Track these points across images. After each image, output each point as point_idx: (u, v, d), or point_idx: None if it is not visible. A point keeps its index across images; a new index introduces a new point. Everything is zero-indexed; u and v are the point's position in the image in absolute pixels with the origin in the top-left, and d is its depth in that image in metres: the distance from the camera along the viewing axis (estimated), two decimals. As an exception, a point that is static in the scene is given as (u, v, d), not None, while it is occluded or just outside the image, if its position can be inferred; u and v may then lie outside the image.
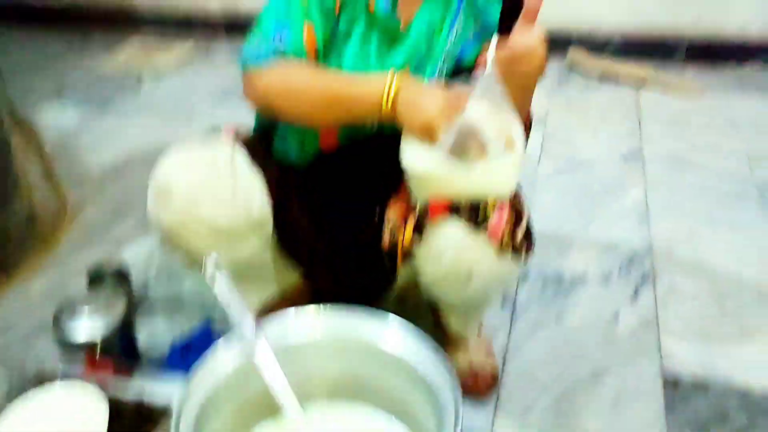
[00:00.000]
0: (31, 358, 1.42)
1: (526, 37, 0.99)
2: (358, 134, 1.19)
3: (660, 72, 2.75)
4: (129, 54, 3.10)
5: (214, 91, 2.70)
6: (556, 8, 2.89)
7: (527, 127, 1.16)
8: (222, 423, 0.96)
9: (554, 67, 2.84)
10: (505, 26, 1.13)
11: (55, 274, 1.69)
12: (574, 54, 2.86)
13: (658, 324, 1.52)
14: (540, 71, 1.01)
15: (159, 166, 1.14)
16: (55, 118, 2.49)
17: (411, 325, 1.00)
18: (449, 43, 1.15)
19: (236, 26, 3.20)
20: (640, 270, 1.69)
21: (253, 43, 1.11)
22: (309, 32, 1.09)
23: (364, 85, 1.05)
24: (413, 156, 1.04)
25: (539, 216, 1.86)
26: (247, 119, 1.30)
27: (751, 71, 2.76)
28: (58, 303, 1.32)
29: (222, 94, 2.67)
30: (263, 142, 1.27)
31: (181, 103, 2.62)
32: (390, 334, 1.00)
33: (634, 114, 2.47)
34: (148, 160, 2.16)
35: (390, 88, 1.02)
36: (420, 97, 1.01)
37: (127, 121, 2.49)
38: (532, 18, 0.99)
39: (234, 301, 0.92)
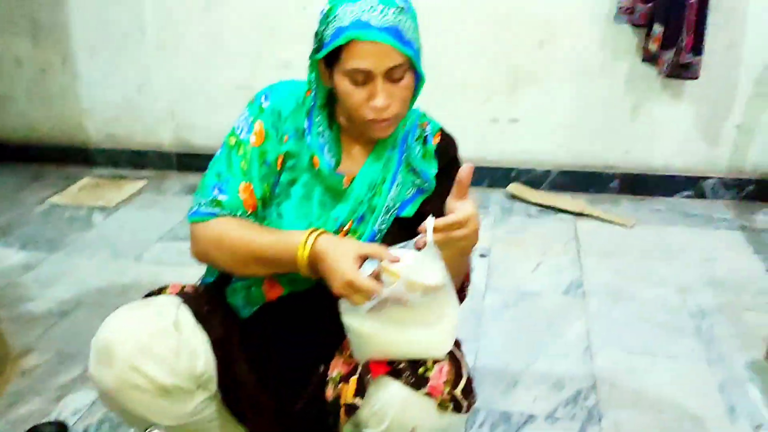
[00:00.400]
0: None
1: (462, 205, 1.05)
2: (301, 285, 1.22)
3: (595, 203, 2.91)
4: (80, 190, 3.13)
5: (165, 225, 2.74)
6: (496, 144, 3.10)
7: (464, 288, 1.23)
8: None
9: (496, 199, 2.98)
10: (441, 185, 1.23)
11: (-9, 429, 1.63)
12: (514, 187, 3.01)
13: (604, 464, 1.53)
14: (476, 237, 1.07)
15: (102, 326, 1.14)
16: (1, 259, 2.47)
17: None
18: (389, 199, 1.23)
19: (188, 160, 3.30)
20: (585, 407, 1.71)
21: (197, 198, 1.20)
22: (246, 190, 1.18)
23: (285, 243, 1.11)
24: (349, 314, 1.08)
25: (486, 352, 1.92)
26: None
27: (678, 203, 2.94)
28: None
29: (172, 229, 2.71)
30: (211, 295, 1.30)
31: (131, 239, 2.64)
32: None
33: (573, 245, 2.58)
34: (96, 302, 2.18)
35: (305, 247, 1.08)
36: (333, 260, 1.05)
37: (76, 259, 2.48)
38: (465, 188, 1.06)
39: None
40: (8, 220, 2.81)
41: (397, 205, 1.24)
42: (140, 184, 3.19)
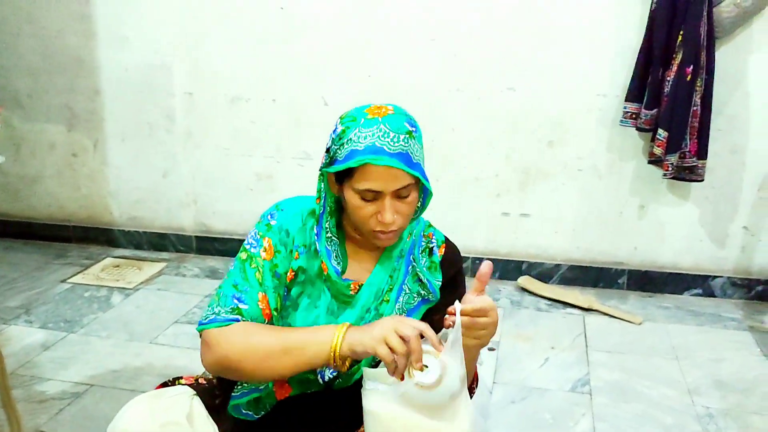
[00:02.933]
0: None
1: (480, 298, 1.13)
2: (310, 387, 1.27)
3: (604, 298, 2.94)
4: (102, 270, 3.22)
5: (182, 308, 2.81)
6: (507, 238, 3.18)
7: (473, 387, 1.29)
8: None
9: (506, 292, 3.03)
10: (445, 296, 1.30)
11: None
12: (525, 280, 3.06)
13: None
14: (495, 328, 1.14)
15: (117, 416, 1.19)
16: (20, 337, 2.54)
17: None
18: (396, 309, 1.29)
19: (207, 244, 3.40)
20: None
21: (213, 308, 1.22)
22: (263, 300, 1.23)
23: (315, 331, 1.17)
24: (371, 397, 1.13)
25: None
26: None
27: (686, 301, 2.97)
28: None
29: (188, 312, 2.77)
30: (223, 387, 1.34)
31: (148, 321, 2.70)
32: None
33: (582, 341, 2.61)
34: (109, 384, 2.22)
35: (339, 330, 1.13)
36: (369, 327, 1.12)
37: (92, 340, 2.54)
38: (483, 284, 1.14)
39: None
40: (31, 297, 2.89)
41: (404, 314, 1.29)
42: (160, 266, 3.29)
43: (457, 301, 1.10)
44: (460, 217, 3.07)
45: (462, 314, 1.09)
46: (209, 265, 3.29)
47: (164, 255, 3.42)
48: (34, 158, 3.49)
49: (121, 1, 3.16)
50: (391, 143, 1.15)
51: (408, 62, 2.97)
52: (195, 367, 2.26)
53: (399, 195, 1.19)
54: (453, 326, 1.08)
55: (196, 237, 3.43)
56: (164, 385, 1.33)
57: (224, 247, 3.35)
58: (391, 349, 1.06)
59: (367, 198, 1.18)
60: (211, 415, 1.23)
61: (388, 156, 1.14)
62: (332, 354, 1.12)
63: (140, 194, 3.44)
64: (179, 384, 1.30)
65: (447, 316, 1.11)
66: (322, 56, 3.04)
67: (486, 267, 1.13)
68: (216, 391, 1.31)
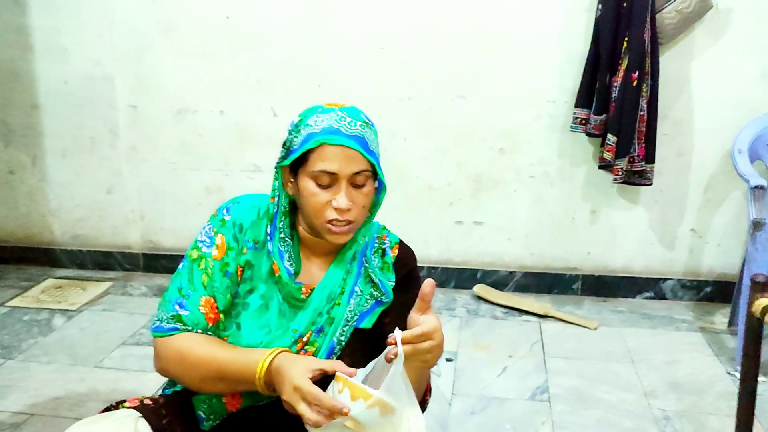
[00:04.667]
0: None
1: (425, 318, 1.07)
2: (261, 398, 1.22)
3: (559, 304, 2.95)
4: (42, 292, 3.08)
5: (129, 329, 2.70)
6: (461, 246, 3.16)
7: (425, 401, 1.24)
8: None
9: (462, 301, 3.01)
10: (398, 297, 1.26)
11: None
12: (480, 288, 3.05)
13: None
14: (440, 350, 1.08)
15: (58, 444, 1.12)
16: (-47, 365, 2.40)
17: None
18: (348, 311, 1.25)
19: (155, 261, 3.29)
20: None
21: (159, 312, 1.22)
22: (207, 303, 1.20)
23: (244, 361, 1.13)
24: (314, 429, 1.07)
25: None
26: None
27: (639, 304, 3.00)
28: None
29: (135, 333, 2.67)
30: (171, 407, 1.28)
31: (93, 343, 2.58)
32: None
33: (539, 347, 2.60)
34: (50, 413, 2.11)
35: (263, 365, 1.10)
36: (286, 373, 1.06)
37: (32, 366, 2.41)
38: (428, 303, 1.09)
39: None
40: (-35, 323, 2.74)
41: (356, 317, 1.26)
42: (105, 285, 3.16)
43: (397, 329, 1.05)
44: (413, 226, 3.04)
45: (403, 342, 1.03)
46: (157, 283, 3.17)
47: (110, 274, 3.30)
48: (-32, 177, 3.33)
49: (59, 11, 3.05)
50: (348, 126, 1.16)
51: (358, 72, 2.94)
52: (144, 389, 2.19)
53: (354, 182, 1.18)
54: (395, 358, 1.02)
55: (144, 254, 3.31)
56: (107, 409, 1.25)
57: (173, 264, 3.23)
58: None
59: (323, 183, 1.16)
60: (158, 436, 1.17)
61: (345, 137, 1.15)
62: (261, 388, 1.12)
63: (83, 212, 3.31)
64: (123, 408, 1.23)
65: (388, 347, 1.05)
66: (271, 66, 2.99)
67: (428, 286, 1.09)
68: (163, 410, 1.24)
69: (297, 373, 1.05)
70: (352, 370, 1.06)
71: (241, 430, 1.25)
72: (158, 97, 3.10)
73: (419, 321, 1.07)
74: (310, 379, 1.04)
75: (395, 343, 1.03)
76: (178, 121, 3.12)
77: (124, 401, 1.26)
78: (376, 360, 1.14)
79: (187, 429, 1.24)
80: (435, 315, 1.09)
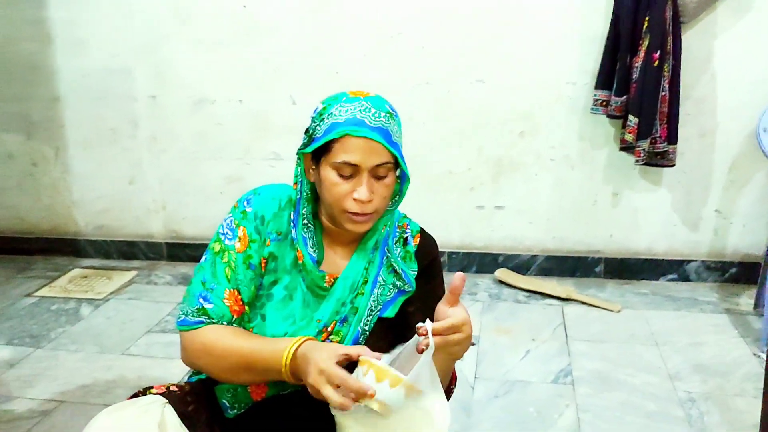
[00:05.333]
0: None
1: (454, 311, 1.08)
2: (285, 387, 1.23)
3: (582, 287, 2.93)
4: (69, 282, 3.13)
5: (154, 317, 2.73)
6: (482, 231, 3.15)
7: (450, 389, 1.25)
8: None
9: (484, 285, 3.01)
10: (421, 286, 1.26)
11: None
12: (502, 273, 3.04)
13: None
14: (468, 342, 1.09)
15: (86, 430, 1.13)
16: (-15, 355, 2.44)
17: None
18: (371, 301, 1.25)
19: (178, 250, 3.33)
20: (577, 502, 1.68)
21: (183, 306, 1.22)
22: (231, 296, 1.20)
23: (270, 352, 1.13)
24: (341, 413, 1.07)
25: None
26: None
27: (663, 286, 2.97)
28: None
29: (161, 321, 2.70)
30: (196, 394, 1.29)
31: (119, 332, 2.62)
32: None
33: (562, 331, 2.59)
34: (79, 400, 2.14)
35: (288, 355, 1.10)
36: (311, 360, 1.06)
37: (60, 355, 2.45)
38: (457, 296, 1.09)
39: None
40: (-6, 314, 2.79)
41: (380, 306, 1.26)
42: (130, 274, 3.20)
43: (428, 320, 1.06)
44: (434, 212, 3.04)
45: (433, 334, 1.04)
46: (181, 272, 3.21)
47: (134, 263, 3.34)
48: (-7, 170, 3.38)
49: (77, 4, 3.07)
50: (373, 118, 1.14)
51: (375, 57, 2.93)
52: (169, 376, 2.21)
53: (376, 174, 1.17)
54: (426, 349, 1.03)
55: (167, 244, 3.35)
56: (135, 396, 1.27)
57: (196, 252, 3.26)
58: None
59: (345, 174, 1.16)
60: (184, 423, 1.18)
61: (369, 128, 1.13)
62: (287, 376, 1.11)
63: (106, 203, 3.35)
64: (150, 394, 1.24)
65: (417, 336, 1.06)
66: (288, 54, 2.98)
67: (458, 280, 1.09)
68: (188, 397, 1.25)
69: (322, 357, 1.05)
70: (377, 354, 1.06)
71: (265, 419, 1.26)
72: (177, 88, 3.12)
73: (448, 313, 1.07)
74: (336, 363, 1.04)
75: (426, 334, 1.03)
76: (196, 111, 3.13)
77: (151, 387, 1.28)
78: (401, 346, 1.14)
79: (212, 416, 1.26)
80: (464, 308, 1.09)
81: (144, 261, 3.36)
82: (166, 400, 1.21)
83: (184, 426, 1.18)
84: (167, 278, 3.16)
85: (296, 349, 1.10)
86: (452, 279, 1.09)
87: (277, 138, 3.09)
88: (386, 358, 1.11)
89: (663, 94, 2.64)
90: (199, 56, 3.05)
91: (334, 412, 1.08)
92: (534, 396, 2.17)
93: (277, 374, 1.13)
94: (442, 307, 1.09)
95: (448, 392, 1.23)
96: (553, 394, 2.18)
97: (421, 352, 1.04)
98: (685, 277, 3.01)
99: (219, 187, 3.21)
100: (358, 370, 1.04)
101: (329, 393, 1.02)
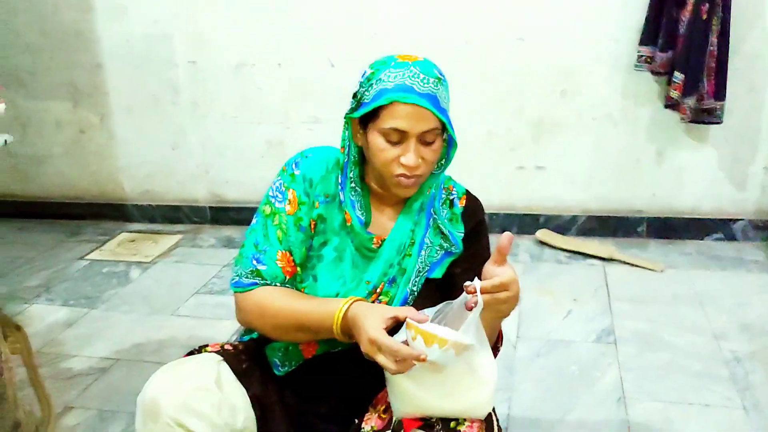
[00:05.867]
0: None
1: (502, 270, 1.08)
2: (336, 345, 1.26)
3: (624, 248, 2.91)
4: (118, 245, 3.22)
5: (200, 279, 2.80)
6: (523, 191, 3.13)
7: (497, 348, 1.26)
8: None
9: (525, 247, 3.00)
10: (468, 248, 1.28)
11: (35, 487, 1.66)
12: (543, 233, 3.03)
13: None
14: (516, 301, 1.10)
15: (147, 385, 1.19)
16: (43, 316, 2.54)
17: None
18: (419, 263, 1.27)
19: (222, 214, 3.39)
20: (620, 459, 1.70)
21: (237, 268, 1.26)
22: (283, 258, 1.24)
23: (322, 312, 1.17)
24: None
25: (519, 402, 1.93)
26: (230, 310, 1.35)
27: (708, 246, 2.93)
28: None
29: (207, 282, 2.77)
30: (249, 352, 1.34)
31: (168, 293, 2.70)
32: None
33: (604, 292, 2.58)
34: (134, 358, 2.23)
35: (339, 316, 1.14)
36: (362, 323, 1.09)
37: (114, 315, 2.54)
38: (504, 255, 1.09)
39: None
40: (50, 276, 2.89)
41: (427, 267, 1.28)
42: (176, 238, 3.28)
43: (476, 279, 1.07)
44: (474, 173, 3.02)
45: (482, 292, 1.05)
46: (225, 235, 3.27)
47: (179, 227, 3.41)
48: (41, 137, 3.46)
49: (117, -30, 3.10)
50: (421, 84, 1.14)
51: (414, 18, 2.90)
52: (219, 337, 2.28)
53: (424, 140, 1.17)
54: (475, 306, 1.04)
55: (210, 207, 3.41)
56: (190, 354, 1.32)
57: (239, 216, 3.32)
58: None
59: (392, 139, 1.17)
60: (238, 380, 1.23)
61: (417, 95, 1.13)
62: (339, 336, 1.16)
63: (150, 168, 3.42)
64: (205, 352, 1.29)
65: (465, 294, 1.07)
66: (326, 17, 2.97)
67: (506, 239, 1.09)
68: (242, 356, 1.30)
69: (372, 325, 1.07)
70: (422, 315, 1.08)
71: (315, 376, 1.30)
72: (216, 53, 3.14)
73: (496, 272, 1.08)
74: (385, 329, 1.07)
75: (474, 292, 1.05)
76: (236, 75, 3.15)
77: (206, 346, 1.33)
78: (446, 303, 1.15)
79: (264, 374, 1.30)
80: (511, 267, 1.09)
81: (188, 225, 3.43)
82: (221, 358, 1.26)
83: (239, 382, 1.23)
84: (212, 241, 3.23)
85: (346, 310, 1.14)
86: (499, 239, 1.10)
87: (316, 101, 3.10)
88: (431, 312, 1.13)
89: (711, 48, 2.57)
90: (237, 21, 3.06)
91: (389, 376, 1.12)
92: (576, 355, 2.18)
93: (328, 333, 1.16)
94: (489, 267, 1.10)
95: (495, 350, 1.25)
96: (596, 353, 2.19)
97: (469, 309, 1.06)
98: (731, 237, 2.96)
99: (260, 151, 3.24)
100: (406, 333, 1.06)
101: (384, 361, 1.05)
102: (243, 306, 1.25)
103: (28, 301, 2.67)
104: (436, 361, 1.03)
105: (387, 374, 1.12)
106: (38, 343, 2.30)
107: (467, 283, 1.07)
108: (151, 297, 2.69)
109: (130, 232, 3.38)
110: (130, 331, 2.42)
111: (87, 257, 3.10)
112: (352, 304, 1.15)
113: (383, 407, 1.22)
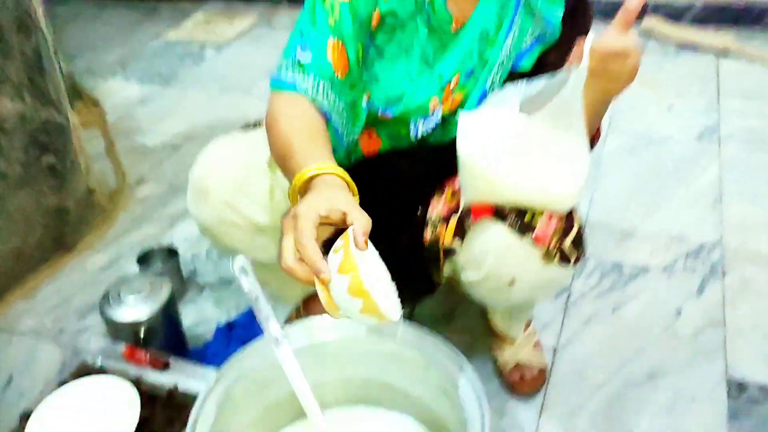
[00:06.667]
0: (83, 337, 1.45)
1: (624, 36, 0.86)
2: (400, 141, 1.12)
3: (743, 41, 2.54)
4: (193, 26, 3.11)
5: (274, 60, 2.67)
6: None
7: (593, 144, 1.04)
8: (245, 421, 0.96)
9: (628, 35, 2.68)
10: (566, 32, 1.03)
11: (112, 250, 1.72)
12: (651, 21, 2.69)
13: (725, 322, 1.42)
14: (631, 77, 0.89)
15: (198, 162, 1.12)
16: (119, 92, 2.53)
17: (435, 334, 0.95)
18: (505, 49, 1.03)
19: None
20: (708, 261, 1.58)
21: (281, 59, 1.02)
22: (336, 48, 0.97)
23: (298, 161, 0.85)
24: (473, 147, 0.96)
25: (602, 199, 1.79)
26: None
27: None
28: (112, 280, 1.35)
29: (281, 65, 2.66)
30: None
31: (241, 74, 2.62)
32: (414, 341, 0.96)
33: (713, 87, 2.30)
34: (206, 135, 2.20)
35: (297, 183, 0.83)
36: (311, 193, 0.80)
37: (188, 93, 2.50)
38: (631, 18, 0.86)
39: (260, 302, 0.89)
40: (125, 54, 2.85)
41: (513, 57, 1.04)
42: (251, 19, 3.13)
43: (590, 34, 0.85)
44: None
45: (591, 55, 0.83)
46: (301, 17, 3.10)
47: (256, 6, 3.24)
48: None
49: None
50: None
51: None
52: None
53: None
54: (576, 68, 0.84)
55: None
56: (246, 127, 1.23)
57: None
58: None
59: None
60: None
61: None
62: (293, 198, 0.85)
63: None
64: (259, 128, 1.19)
65: (569, 68, 0.87)
66: None
67: (636, 1, 0.84)
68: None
69: (314, 201, 0.76)
70: (366, 238, 0.74)
71: (380, 171, 1.15)
72: None
73: (614, 37, 0.85)
74: (324, 219, 0.75)
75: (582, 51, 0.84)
76: None
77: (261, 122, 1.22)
78: (542, 79, 0.95)
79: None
80: (636, 35, 0.86)
81: (265, 3, 3.25)
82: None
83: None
84: (287, 22, 3.06)
85: (315, 175, 0.82)
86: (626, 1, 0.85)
87: None
88: (517, 90, 0.95)
89: None
90: None
91: (462, 136, 0.96)
92: (674, 152, 1.98)
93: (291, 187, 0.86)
94: (608, 31, 0.86)
95: (591, 143, 1.01)
96: (696, 150, 1.98)
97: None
98: None
99: None
100: (338, 242, 0.75)
101: (285, 244, 0.75)
102: (268, 108, 0.99)
103: (105, 77, 2.65)
104: (333, 294, 0.74)
105: (459, 151, 0.98)
106: (113, 118, 2.28)
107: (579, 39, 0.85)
108: (225, 77, 2.61)
109: (206, 12, 3.25)
110: (202, 109, 2.38)
111: (162, 37, 3.02)
112: (328, 174, 0.83)
113: (450, 191, 1.09)
